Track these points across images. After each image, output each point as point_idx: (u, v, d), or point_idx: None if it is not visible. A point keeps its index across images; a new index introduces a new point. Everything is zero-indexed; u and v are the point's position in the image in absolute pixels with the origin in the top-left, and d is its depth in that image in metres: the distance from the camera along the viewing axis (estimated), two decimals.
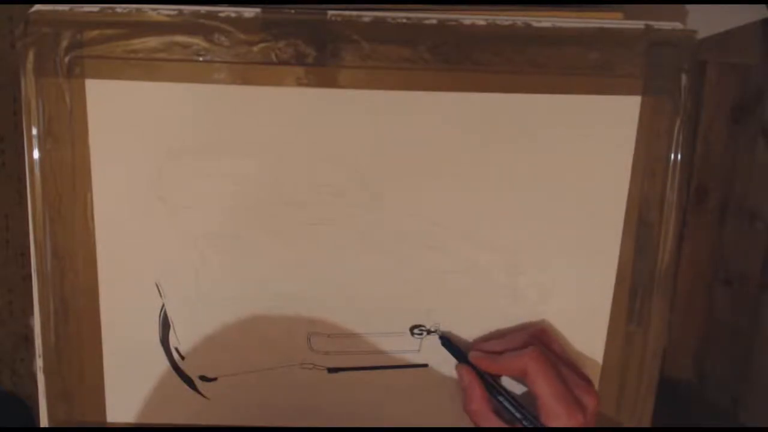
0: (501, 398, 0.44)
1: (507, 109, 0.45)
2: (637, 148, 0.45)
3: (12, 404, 0.57)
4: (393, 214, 0.46)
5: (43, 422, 0.48)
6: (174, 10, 0.43)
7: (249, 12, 0.43)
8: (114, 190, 0.45)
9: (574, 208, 0.46)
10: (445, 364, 0.48)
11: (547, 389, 0.41)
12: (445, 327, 0.48)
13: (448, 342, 0.47)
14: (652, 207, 0.46)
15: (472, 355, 0.46)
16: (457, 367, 0.46)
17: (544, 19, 0.44)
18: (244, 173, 0.45)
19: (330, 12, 0.43)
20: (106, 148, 0.45)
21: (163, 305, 0.47)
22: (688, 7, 0.48)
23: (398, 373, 0.48)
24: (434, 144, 0.45)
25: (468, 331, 0.48)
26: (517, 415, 0.44)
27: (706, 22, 0.47)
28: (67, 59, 0.43)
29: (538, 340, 0.44)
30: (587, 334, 0.48)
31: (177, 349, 0.48)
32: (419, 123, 0.45)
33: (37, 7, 0.43)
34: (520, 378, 0.44)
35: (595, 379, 0.48)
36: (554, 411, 0.41)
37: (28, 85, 0.43)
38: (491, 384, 0.45)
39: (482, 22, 0.44)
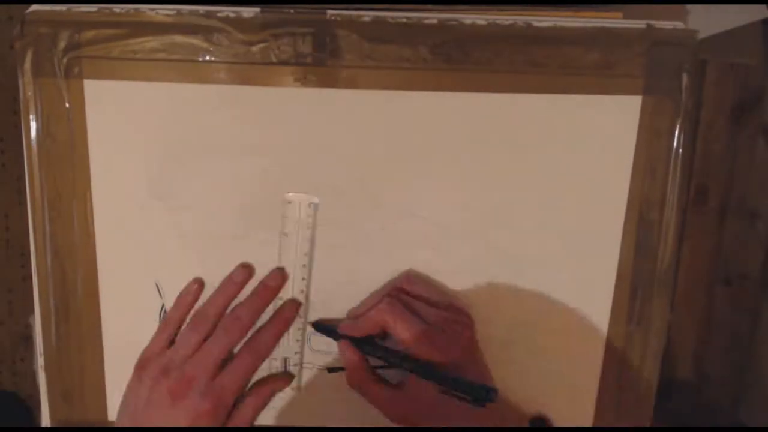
0: (378, 355, 0.44)
1: (507, 109, 0.45)
2: (637, 148, 0.45)
3: (12, 404, 0.57)
4: (393, 214, 0.46)
5: (44, 422, 0.48)
6: (173, 10, 0.43)
7: (248, 12, 0.43)
8: (113, 190, 0.45)
9: (574, 208, 0.46)
10: None
11: (406, 333, 0.42)
12: None
13: (320, 326, 0.47)
14: (652, 206, 0.46)
15: (340, 327, 0.45)
16: (338, 345, 0.46)
17: (545, 19, 0.44)
18: (243, 173, 0.45)
19: (329, 12, 0.43)
20: (105, 148, 0.45)
21: (163, 305, 0.47)
22: (689, 7, 0.48)
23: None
24: (434, 144, 0.45)
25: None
26: (394, 362, 0.43)
27: (706, 22, 0.47)
28: (65, 59, 0.43)
29: (399, 291, 0.45)
30: (587, 334, 0.48)
31: None
32: (419, 123, 0.45)
33: (34, 7, 0.43)
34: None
35: (596, 379, 0.48)
36: (420, 350, 0.42)
37: (27, 85, 0.43)
38: (369, 349, 0.44)
39: (483, 22, 0.44)
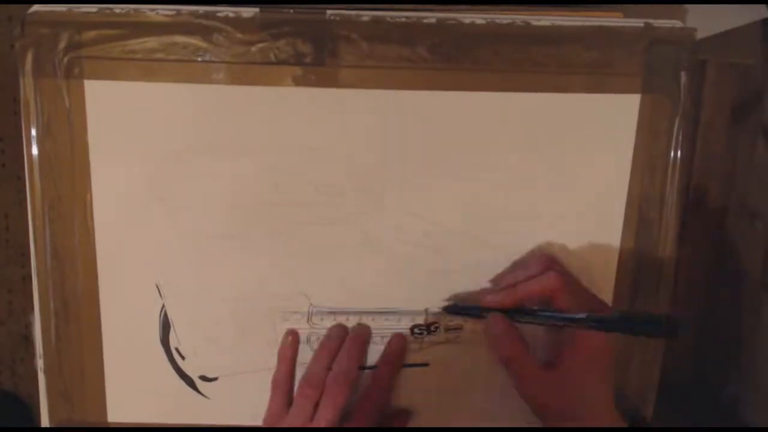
0: (536, 317, 0.42)
1: (507, 108, 0.45)
2: (636, 147, 0.45)
3: (12, 404, 0.57)
4: (393, 214, 0.46)
5: (44, 422, 0.48)
6: (172, 10, 0.43)
7: (247, 12, 0.43)
8: (113, 190, 0.45)
9: (573, 207, 0.46)
10: (446, 362, 0.48)
11: (577, 302, 0.41)
12: (444, 326, 0.48)
13: (455, 308, 0.46)
14: (651, 206, 0.46)
15: (487, 300, 0.44)
16: (489, 320, 0.44)
17: (544, 18, 0.44)
18: (243, 173, 0.45)
19: (329, 11, 0.43)
20: (105, 148, 0.45)
21: (163, 305, 0.47)
22: (688, 6, 0.48)
23: (399, 372, 0.48)
24: (434, 143, 0.45)
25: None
26: (558, 322, 0.42)
27: (706, 21, 0.47)
28: (65, 60, 0.43)
29: (549, 263, 0.44)
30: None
31: (177, 349, 0.48)
32: (419, 122, 0.45)
33: (35, 7, 0.43)
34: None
35: None
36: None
37: (27, 85, 0.44)
38: (521, 318, 0.43)
39: (481, 21, 0.44)
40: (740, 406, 0.54)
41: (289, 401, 0.46)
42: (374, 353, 0.48)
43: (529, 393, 0.42)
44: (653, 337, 0.39)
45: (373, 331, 0.48)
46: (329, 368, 0.45)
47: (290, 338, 0.47)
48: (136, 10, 0.43)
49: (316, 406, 0.44)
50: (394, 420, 0.48)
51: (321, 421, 0.43)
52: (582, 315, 0.40)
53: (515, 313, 0.43)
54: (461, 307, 0.46)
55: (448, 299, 0.47)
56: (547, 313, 0.42)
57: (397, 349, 0.47)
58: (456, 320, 0.47)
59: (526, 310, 0.43)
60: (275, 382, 0.47)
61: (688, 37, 0.44)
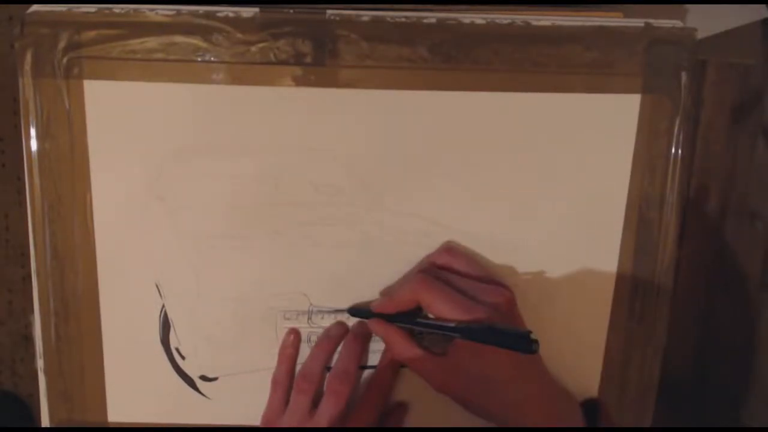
0: (416, 328, 0.44)
1: (507, 108, 0.45)
2: (636, 147, 0.45)
3: (12, 404, 0.57)
4: (393, 214, 0.46)
5: (44, 422, 0.48)
6: (172, 10, 0.43)
7: (247, 12, 0.43)
8: (113, 190, 0.45)
9: (574, 207, 0.46)
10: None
11: (441, 306, 0.42)
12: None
13: (355, 310, 0.47)
14: (652, 206, 0.46)
15: (373, 305, 0.45)
16: (369, 325, 0.46)
17: (544, 18, 0.44)
18: (243, 173, 0.45)
19: (329, 11, 0.43)
20: (105, 148, 0.45)
21: (163, 305, 0.47)
22: (688, 6, 0.48)
23: (398, 372, 0.48)
24: (434, 143, 0.45)
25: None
26: (426, 330, 0.43)
27: (706, 21, 0.47)
28: (65, 60, 0.43)
29: (434, 265, 0.45)
30: (587, 333, 0.48)
31: (177, 349, 0.48)
32: (419, 122, 0.45)
33: (34, 7, 0.43)
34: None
35: (596, 379, 0.48)
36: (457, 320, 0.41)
37: (26, 85, 0.43)
38: (405, 324, 0.44)
39: (481, 21, 0.44)
40: (740, 406, 0.54)
41: (288, 399, 0.46)
42: (376, 353, 0.48)
43: (429, 379, 0.44)
44: (515, 350, 0.40)
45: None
46: (326, 365, 0.46)
47: (292, 337, 0.47)
48: (135, 10, 0.43)
49: (314, 402, 0.45)
50: (392, 414, 0.48)
51: (323, 419, 0.44)
52: (452, 325, 0.41)
53: (396, 319, 0.44)
54: (359, 311, 0.47)
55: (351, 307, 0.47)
56: (422, 321, 0.43)
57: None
58: None
59: (404, 317, 0.44)
60: (275, 380, 0.47)
61: (688, 37, 0.44)
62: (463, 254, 0.46)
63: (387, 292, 0.46)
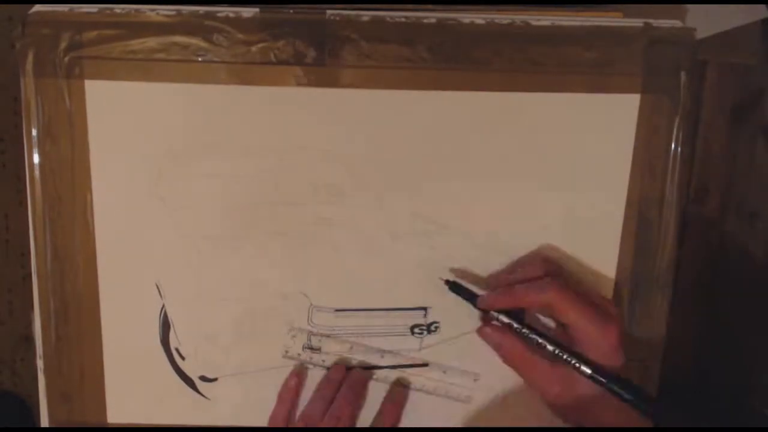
0: (533, 336, 0.43)
1: (506, 108, 0.45)
2: (636, 146, 0.45)
3: (12, 404, 0.57)
4: (393, 214, 0.46)
5: (44, 422, 0.48)
6: (172, 10, 0.43)
7: (247, 12, 0.43)
8: (114, 190, 0.45)
9: (573, 207, 0.46)
10: (447, 362, 0.48)
11: (577, 315, 0.41)
12: (444, 326, 0.47)
13: (457, 286, 0.45)
14: (651, 205, 0.46)
15: (487, 297, 0.44)
16: (480, 330, 0.44)
17: (543, 18, 0.44)
18: (243, 173, 0.45)
19: (329, 11, 0.43)
20: (105, 148, 0.45)
21: (163, 305, 0.47)
22: (688, 6, 0.48)
23: (398, 372, 0.48)
24: (434, 143, 0.45)
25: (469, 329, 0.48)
26: (552, 348, 0.42)
27: (706, 21, 0.47)
28: (66, 60, 0.43)
29: (549, 267, 0.44)
30: None
31: (177, 350, 0.48)
32: (418, 122, 0.45)
33: (36, 7, 0.43)
34: (541, 310, 0.44)
35: None
36: (589, 333, 0.41)
37: (28, 85, 0.44)
38: (518, 327, 0.43)
39: (481, 21, 0.44)
40: (740, 405, 0.54)
41: None
42: (376, 353, 0.48)
43: (540, 387, 0.43)
44: (636, 408, 0.40)
45: (374, 331, 0.48)
46: (327, 409, 0.45)
47: (293, 382, 0.47)
48: (136, 11, 0.43)
49: None
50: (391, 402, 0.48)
51: None
52: (587, 370, 0.41)
53: (520, 325, 0.43)
54: (462, 287, 0.45)
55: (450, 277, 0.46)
56: (551, 343, 0.42)
57: (399, 398, 0.48)
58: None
59: (530, 332, 0.43)
60: (273, 421, 0.47)
61: (688, 37, 0.44)
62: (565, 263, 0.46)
63: (502, 282, 0.45)
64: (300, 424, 0.46)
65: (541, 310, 0.45)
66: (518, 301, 0.43)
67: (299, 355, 0.48)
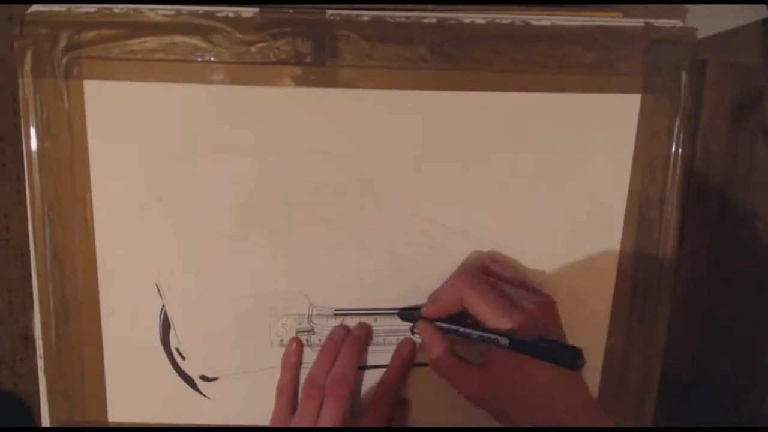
0: (459, 329, 0.43)
1: (507, 108, 0.45)
2: (636, 146, 0.45)
3: (12, 404, 0.57)
4: (393, 214, 0.46)
5: (44, 422, 0.48)
6: (172, 10, 0.43)
7: (247, 12, 0.43)
8: (113, 190, 0.45)
9: (574, 207, 0.46)
10: None
11: (485, 307, 0.41)
12: None
13: (406, 314, 0.47)
14: (652, 205, 0.46)
15: (422, 311, 0.45)
16: (418, 328, 0.46)
17: (544, 18, 0.44)
18: (243, 173, 0.45)
19: (329, 11, 0.43)
20: (104, 148, 0.45)
21: (163, 305, 0.47)
22: (688, 6, 0.48)
23: (408, 373, 0.48)
24: (434, 143, 0.45)
25: None
26: (474, 335, 0.42)
27: (706, 21, 0.47)
28: (65, 60, 0.43)
29: (479, 270, 0.44)
30: (588, 333, 0.48)
31: (178, 350, 0.48)
32: (419, 122, 0.45)
33: (34, 7, 0.43)
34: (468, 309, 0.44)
35: (596, 379, 0.48)
36: (499, 326, 0.41)
37: (26, 86, 0.44)
38: (450, 328, 0.44)
39: (481, 21, 0.44)
40: (740, 406, 0.54)
41: (294, 406, 0.47)
42: (377, 353, 0.48)
43: (468, 393, 0.43)
44: (562, 366, 0.40)
45: (374, 331, 0.48)
46: (330, 370, 0.45)
47: (294, 346, 0.47)
48: (135, 10, 0.43)
49: (321, 407, 0.45)
50: (396, 414, 0.48)
51: (325, 422, 0.44)
52: (502, 334, 0.41)
53: (443, 324, 0.44)
54: (409, 314, 0.47)
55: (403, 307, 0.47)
56: (468, 330, 0.43)
57: (407, 353, 0.48)
58: None
59: (450, 324, 0.44)
60: (280, 389, 0.47)
61: (688, 37, 0.44)
62: (504, 259, 0.46)
63: (434, 296, 0.46)
64: (306, 386, 0.45)
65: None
66: (443, 306, 0.44)
67: None
